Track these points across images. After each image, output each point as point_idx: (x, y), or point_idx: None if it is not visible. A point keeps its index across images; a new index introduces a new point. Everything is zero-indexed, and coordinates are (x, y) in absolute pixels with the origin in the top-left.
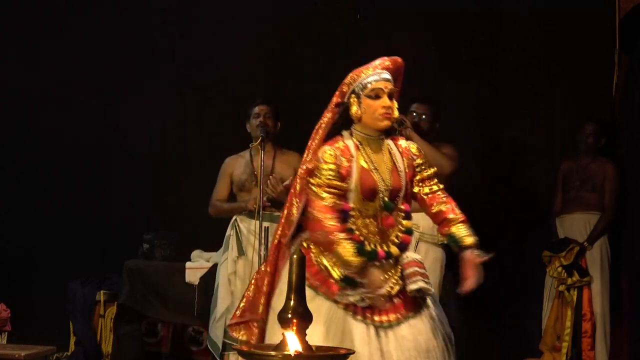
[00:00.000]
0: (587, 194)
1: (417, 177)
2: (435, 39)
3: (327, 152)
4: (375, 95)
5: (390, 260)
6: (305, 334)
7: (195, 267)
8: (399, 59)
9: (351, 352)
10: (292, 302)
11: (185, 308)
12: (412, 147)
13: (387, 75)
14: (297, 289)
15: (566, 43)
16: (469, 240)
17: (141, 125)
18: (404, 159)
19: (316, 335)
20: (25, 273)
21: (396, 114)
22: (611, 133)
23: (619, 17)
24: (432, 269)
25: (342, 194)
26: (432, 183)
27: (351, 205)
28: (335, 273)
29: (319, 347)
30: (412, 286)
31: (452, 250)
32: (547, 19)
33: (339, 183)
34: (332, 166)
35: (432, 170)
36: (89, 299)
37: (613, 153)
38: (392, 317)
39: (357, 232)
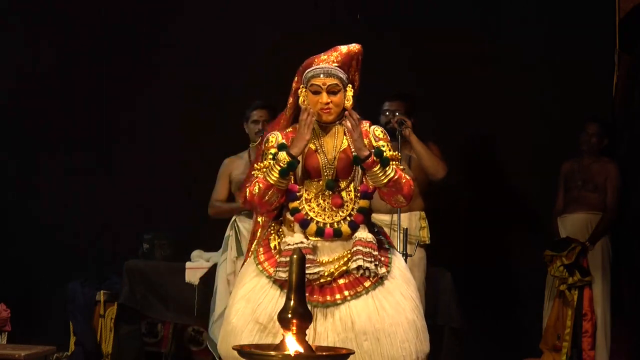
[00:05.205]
0: (588, 193)
1: None
2: (435, 38)
3: (272, 136)
4: (315, 91)
5: (342, 240)
6: (305, 334)
7: (195, 267)
8: (352, 49)
9: (351, 352)
10: (292, 302)
11: (185, 308)
12: (377, 130)
13: (329, 69)
14: (297, 289)
15: (566, 43)
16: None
17: (141, 125)
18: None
19: (242, 310)
20: (25, 273)
21: (348, 104)
22: (611, 133)
23: (619, 17)
24: (417, 268)
25: None
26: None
27: (298, 185)
28: (272, 242)
29: (319, 347)
30: (351, 265)
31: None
32: (547, 18)
33: None
34: (275, 150)
35: (391, 154)
36: (89, 299)
37: (613, 153)
38: (329, 297)
39: (304, 212)
